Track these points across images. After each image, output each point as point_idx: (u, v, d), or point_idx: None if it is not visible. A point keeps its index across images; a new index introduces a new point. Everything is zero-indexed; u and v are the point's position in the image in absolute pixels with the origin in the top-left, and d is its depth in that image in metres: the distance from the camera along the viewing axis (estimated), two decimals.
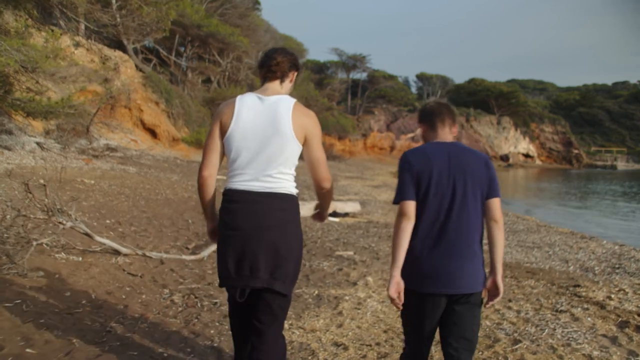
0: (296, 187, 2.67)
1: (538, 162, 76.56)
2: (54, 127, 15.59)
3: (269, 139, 2.53)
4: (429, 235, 2.50)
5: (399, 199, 2.55)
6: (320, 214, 3.00)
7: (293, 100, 2.62)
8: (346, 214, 11.06)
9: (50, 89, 14.04)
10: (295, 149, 2.57)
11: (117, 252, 5.37)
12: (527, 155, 76.12)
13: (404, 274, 2.51)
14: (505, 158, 70.28)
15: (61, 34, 15.78)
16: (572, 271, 7.34)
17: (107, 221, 7.02)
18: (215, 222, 2.76)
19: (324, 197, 2.81)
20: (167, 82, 26.86)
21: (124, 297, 4.51)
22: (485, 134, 71.12)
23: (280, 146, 2.53)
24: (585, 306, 5.33)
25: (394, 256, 2.52)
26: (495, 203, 2.57)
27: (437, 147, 2.59)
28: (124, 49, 26.03)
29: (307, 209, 7.71)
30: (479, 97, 73.32)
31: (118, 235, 6.41)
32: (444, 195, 2.50)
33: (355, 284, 5.59)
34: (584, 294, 5.90)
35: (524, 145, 76.32)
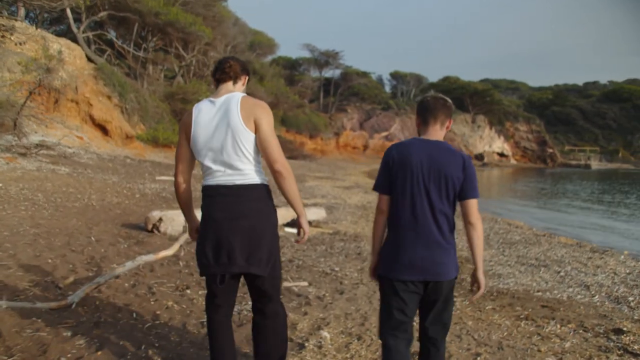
0: (265, 177, 2.79)
1: (513, 161, 75.90)
2: None
3: (225, 135, 2.68)
4: (405, 227, 2.63)
5: (375, 189, 2.76)
6: (298, 224, 2.89)
7: (241, 94, 2.76)
8: (309, 223, 9.13)
9: None
10: (248, 137, 2.68)
11: None
12: (501, 155, 75.39)
13: (383, 263, 2.71)
14: (480, 157, 69.31)
15: None
16: (600, 303, 5.58)
17: None
18: (194, 222, 2.99)
19: (282, 183, 2.73)
20: (121, 74, 24.60)
21: None
22: (460, 132, 70.06)
23: (235, 139, 2.66)
24: None
25: (373, 246, 2.83)
26: (472, 204, 2.62)
27: (420, 144, 2.67)
28: (73, 38, 23.80)
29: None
30: (453, 95, 71.13)
31: None
32: (419, 191, 2.60)
33: (302, 345, 3.65)
34: (633, 344, 4.13)
35: (499, 144, 75.56)
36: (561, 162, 77.35)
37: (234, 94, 2.74)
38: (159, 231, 7.01)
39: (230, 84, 2.83)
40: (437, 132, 2.72)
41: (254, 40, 47.19)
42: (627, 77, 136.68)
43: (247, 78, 2.93)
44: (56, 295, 4.01)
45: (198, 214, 2.89)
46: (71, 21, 23.96)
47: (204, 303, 4.30)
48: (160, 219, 7.05)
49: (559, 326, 4.58)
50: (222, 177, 2.70)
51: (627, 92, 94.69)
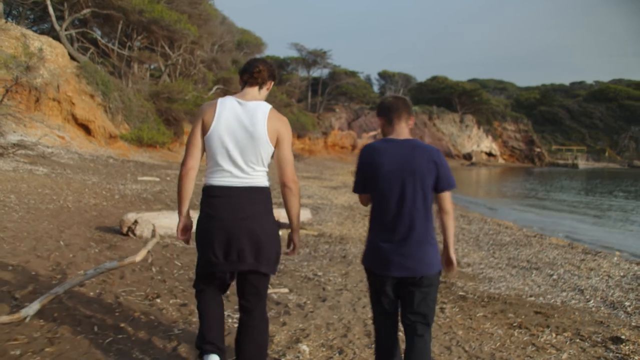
0: (269, 181, 2.88)
1: (501, 160, 75.95)
2: None
3: (246, 140, 2.74)
4: (384, 225, 2.77)
5: (355, 191, 2.96)
6: (291, 239, 2.97)
7: (269, 107, 2.83)
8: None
9: None
10: (268, 150, 2.79)
11: None
12: (490, 154, 75.40)
13: (366, 257, 2.87)
14: (468, 157, 69.31)
15: None
16: (595, 309, 5.33)
17: None
18: (188, 220, 2.95)
19: (289, 199, 2.86)
20: (105, 73, 24.10)
21: None
22: (448, 132, 70.01)
23: (255, 147, 2.74)
24: None
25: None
26: (446, 196, 2.77)
27: (390, 144, 2.78)
28: (56, 36, 23.29)
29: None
30: (441, 95, 72.30)
31: None
32: (395, 189, 2.71)
33: None
34: (634, 354, 3.88)
35: (487, 144, 75.58)
36: (549, 162, 77.53)
37: (262, 104, 2.82)
38: (134, 234, 6.68)
39: (256, 89, 2.88)
40: (403, 130, 2.82)
41: (242, 40, 46.88)
42: (612, 77, 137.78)
43: (272, 83, 2.96)
44: (11, 306, 3.67)
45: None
46: (53, 18, 23.44)
47: (173, 313, 4.01)
48: (136, 222, 6.73)
49: (554, 335, 4.31)
50: (230, 178, 2.75)
51: (613, 92, 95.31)
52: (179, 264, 5.56)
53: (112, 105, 22.95)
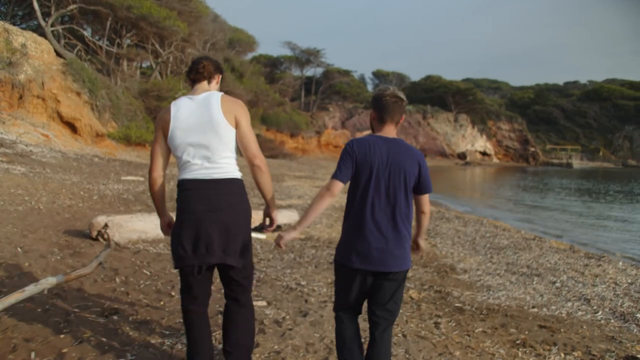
0: (239, 171, 2.87)
1: (495, 160, 75.72)
2: None
3: (206, 129, 2.75)
4: (364, 219, 2.75)
5: (334, 177, 2.79)
6: (267, 214, 3.03)
7: (220, 93, 2.88)
8: (278, 227, 8.26)
9: None
10: (230, 133, 2.79)
11: None
12: (484, 153, 75.14)
13: (340, 250, 2.84)
14: (462, 156, 68.99)
15: None
16: (604, 321, 4.86)
17: None
18: (167, 217, 3.04)
19: (259, 176, 2.86)
20: (92, 70, 23.52)
21: None
22: (443, 131, 69.69)
23: (216, 133, 2.76)
24: None
25: (304, 217, 2.81)
26: (425, 198, 2.87)
27: (380, 141, 2.79)
28: (41, 32, 22.68)
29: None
30: (435, 94, 72.03)
31: None
32: (380, 187, 2.73)
33: None
34: None
35: (481, 143, 75.32)
36: (543, 161, 77.38)
37: (212, 92, 2.86)
38: (104, 239, 6.18)
39: (205, 83, 2.94)
40: (392, 131, 2.86)
41: (234, 38, 46.34)
42: (606, 76, 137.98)
43: (220, 77, 3.03)
44: None
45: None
46: (38, 13, 22.84)
47: (130, 333, 3.52)
48: (106, 225, 6.21)
49: (562, 355, 3.83)
50: (200, 170, 2.76)
51: (607, 91, 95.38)
52: (148, 273, 5.06)
53: (99, 103, 22.37)
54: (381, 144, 2.76)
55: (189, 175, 2.77)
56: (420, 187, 2.79)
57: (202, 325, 2.89)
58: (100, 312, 3.82)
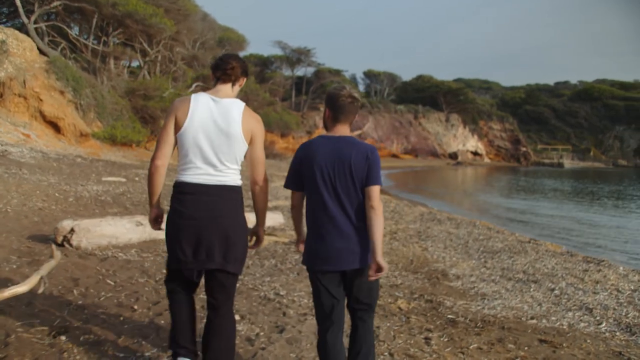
0: (241, 179, 2.84)
1: (487, 159, 75.65)
2: None
3: (220, 138, 2.71)
4: (319, 221, 2.75)
5: (286, 186, 2.92)
6: (255, 232, 3.00)
7: (243, 104, 2.82)
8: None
9: None
10: (242, 148, 2.78)
11: None
12: (475, 153, 75.05)
13: (305, 256, 2.84)
14: (454, 156, 68.83)
15: None
16: (609, 334, 4.47)
17: None
18: (159, 210, 2.91)
19: (258, 195, 2.91)
20: (76, 68, 22.95)
21: None
22: (434, 131, 69.51)
23: (230, 146, 2.72)
24: None
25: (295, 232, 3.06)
26: (374, 190, 2.72)
27: (325, 141, 2.80)
28: (25, 30, 22.13)
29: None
30: (427, 94, 71.89)
31: None
32: (327, 186, 2.72)
33: None
34: None
35: (473, 143, 75.23)
36: (534, 161, 77.50)
37: (236, 101, 2.80)
38: (70, 245, 5.72)
39: (229, 85, 2.85)
40: (345, 129, 2.85)
41: (223, 37, 45.91)
42: (596, 77, 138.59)
43: (244, 79, 2.94)
44: None
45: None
46: (20, 10, 22.30)
47: (78, 356, 3.08)
48: (72, 230, 5.76)
49: None
50: (204, 175, 2.72)
51: (598, 91, 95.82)
52: (112, 284, 4.61)
53: (84, 102, 21.81)
54: (326, 143, 2.77)
55: (190, 178, 2.73)
56: (366, 179, 2.70)
57: (187, 305, 2.90)
58: (47, 331, 3.37)
